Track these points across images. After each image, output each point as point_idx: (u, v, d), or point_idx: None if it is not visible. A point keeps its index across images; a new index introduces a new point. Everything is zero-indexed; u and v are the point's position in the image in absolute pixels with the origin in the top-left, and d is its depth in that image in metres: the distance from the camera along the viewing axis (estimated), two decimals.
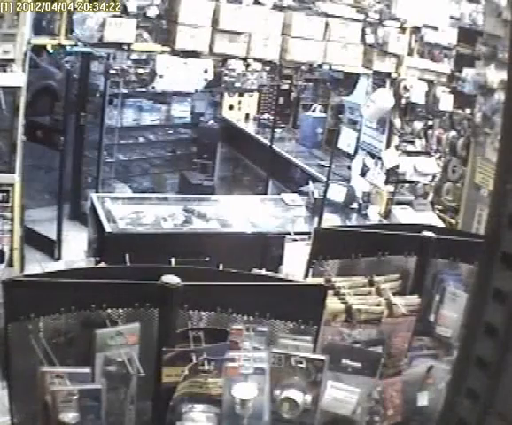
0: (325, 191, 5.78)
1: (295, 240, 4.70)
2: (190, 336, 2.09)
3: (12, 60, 5.08)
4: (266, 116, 9.83)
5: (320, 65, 6.86)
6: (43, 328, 2.00)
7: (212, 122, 9.69)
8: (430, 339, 2.75)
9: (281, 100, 9.74)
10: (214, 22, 6.01)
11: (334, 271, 2.69)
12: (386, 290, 2.54)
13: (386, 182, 6.99)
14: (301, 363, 2.12)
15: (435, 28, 6.85)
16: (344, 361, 2.28)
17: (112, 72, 6.81)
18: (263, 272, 2.69)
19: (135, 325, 2.08)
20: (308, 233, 3.70)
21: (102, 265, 2.54)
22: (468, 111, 6.55)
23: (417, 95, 6.88)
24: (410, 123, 7.07)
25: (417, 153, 7.09)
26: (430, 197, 7.16)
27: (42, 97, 9.24)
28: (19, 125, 5.31)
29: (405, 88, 6.87)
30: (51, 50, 5.51)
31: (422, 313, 2.67)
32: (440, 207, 7.01)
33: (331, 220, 6.07)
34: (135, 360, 2.05)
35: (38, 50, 6.14)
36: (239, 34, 6.14)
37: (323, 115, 9.55)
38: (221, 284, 2.18)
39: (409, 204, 7.07)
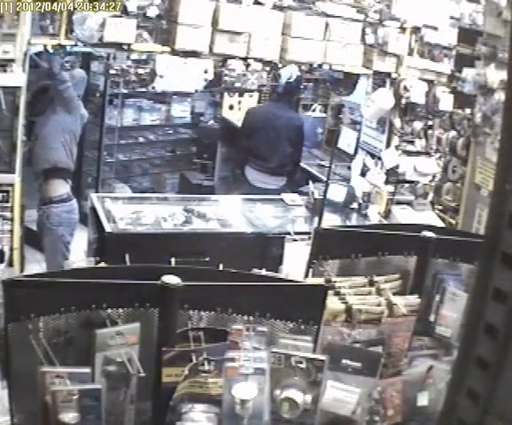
0: (325, 191, 5.76)
1: (295, 240, 4.69)
2: (190, 336, 2.09)
3: (12, 60, 5.08)
4: None
5: (320, 65, 6.84)
6: (43, 328, 2.00)
7: (212, 122, 9.67)
8: (430, 339, 2.75)
9: None
10: (214, 22, 6.00)
11: (334, 271, 2.69)
12: (386, 290, 2.54)
13: (386, 182, 6.98)
14: (301, 363, 2.12)
15: (435, 28, 6.83)
16: (344, 361, 2.28)
17: (112, 72, 6.82)
18: (263, 272, 2.68)
19: (135, 325, 2.08)
20: (308, 233, 3.69)
21: (102, 265, 2.53)
22: (468, 111, 6.54)
23: (417, 95, 6.87)
24: (410, 123, 7.06)
25: (417, 153, 7.08)
26: (430, 197, 7.15)
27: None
28: (19, 125, 5.30)
29: (405, 88, 6.86)
30: (51, 50, 5.50)
31: (422, 313, 2.67)
32: (440, 207, 7.01)
33: (331, 220, 6.06)
34: (135, 360, 2.05)
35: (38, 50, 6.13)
36: (239, 34, 6.13)
37: (323, 115, 9.54)
38: (221, 284, 2.18)
39: (409, 204, 7.06)
